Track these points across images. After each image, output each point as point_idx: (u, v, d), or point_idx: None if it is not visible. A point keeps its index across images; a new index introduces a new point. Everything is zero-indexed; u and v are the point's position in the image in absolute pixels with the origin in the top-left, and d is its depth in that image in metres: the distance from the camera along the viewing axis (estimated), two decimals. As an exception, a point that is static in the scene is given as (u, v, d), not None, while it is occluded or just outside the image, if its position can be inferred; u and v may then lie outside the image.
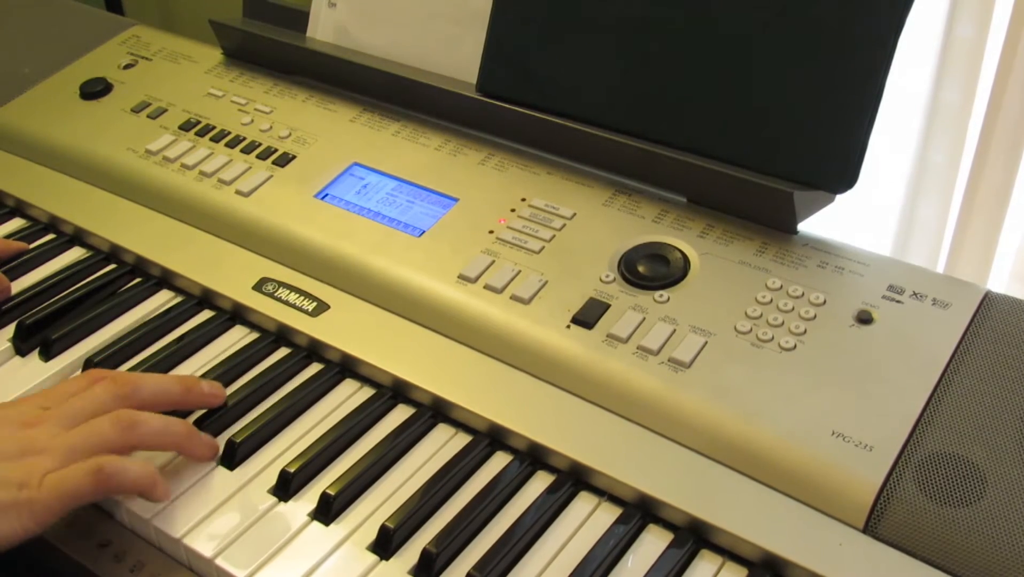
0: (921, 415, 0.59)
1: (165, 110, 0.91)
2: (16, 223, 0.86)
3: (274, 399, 0.67)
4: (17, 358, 0.72)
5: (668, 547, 0.57)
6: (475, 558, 0.57)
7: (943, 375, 0.61)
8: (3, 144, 0.92)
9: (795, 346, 0.64)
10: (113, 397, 0.60)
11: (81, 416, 0.59)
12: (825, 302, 0.66)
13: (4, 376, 0.71)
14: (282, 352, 0.72)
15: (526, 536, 0.58)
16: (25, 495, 0.54)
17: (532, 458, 0.63)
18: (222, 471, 0.62)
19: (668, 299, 0.68)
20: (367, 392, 0.68)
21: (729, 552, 0.58)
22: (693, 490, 0.59)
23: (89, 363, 0.70)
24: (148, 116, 0.90)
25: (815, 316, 0.65)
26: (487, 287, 0.70)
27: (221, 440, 0.64)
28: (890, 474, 0.57)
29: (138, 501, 0.60)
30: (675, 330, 0.66)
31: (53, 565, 0.61)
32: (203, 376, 0.69)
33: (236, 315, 0.75)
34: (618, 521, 0.59)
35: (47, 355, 0.72)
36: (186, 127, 0.88)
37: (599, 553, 0.57)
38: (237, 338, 0.73)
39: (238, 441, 0.63)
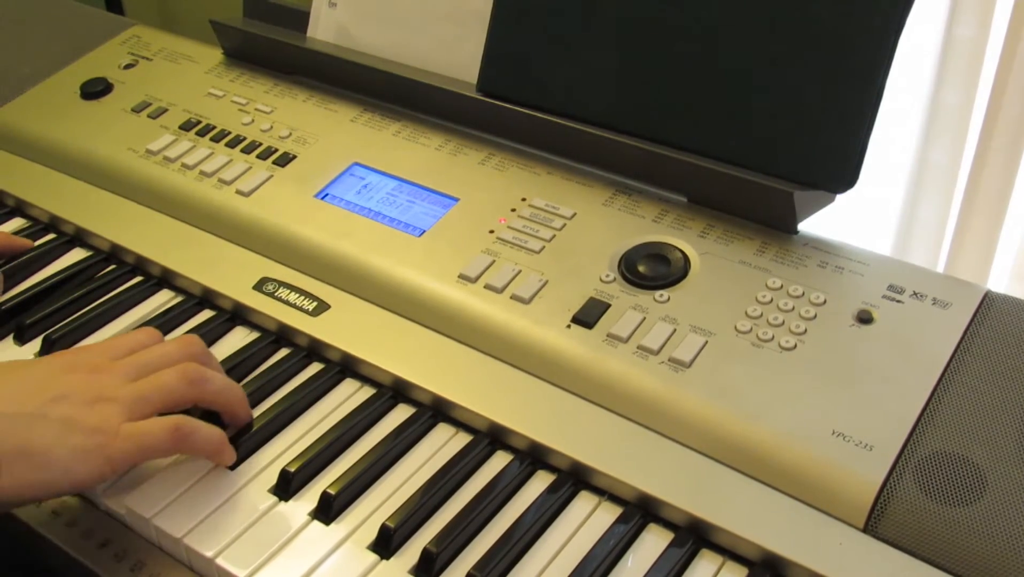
0: (921, 415, 0.59)
1: (165, 110, 0.91)
2: (16, 223, 0.86)
3: (274, 399, 0.67)
4: (17, 358, 0.72)
5: (668, 546, 0.57)
6: (475, 558, 0.57)
7: (943, 375, 0.61)
8: (3, 144, 0.92)
9: (795, 346, 0.64)
10: (180, 353, 0.62)
11: (147, 369, 0.61)
12: (825, 302, 0.66)
13: (4, 376, 0.71)
14: (282, 352, 0.72)
15: (526, 536, 0.58)
16: (102, 440, 0.56)
17: (532, 458, 0.63)
18: (222, 471, 0.62)
19: (668, 299, 0.68)
20: (367, 392, 0.68)
21: (729, 551, 0.58)
22: (693, 490, 0.59)
23: (89, 363, 0.70)
24: (148, 116, 0.90)
25: (815, 316, 0.65)
26: (487, 287, 0.70)
27: (221, 440, 0.64)
28: (890, 474, 0.57)
29: (138, 500, 0.60)
30: (675, 330, 0.66)
31: (53, 564, 0.61)
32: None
33: (236, 315, 0.75)
34: (618, 521, 0.59)
35: (47, 355, 0.72)
36: (186, 127, 0.88)
37: (599, 553, 0.57)
38: (237, 338, 0.73)
39: (238, 441, 0.63)
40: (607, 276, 0.70)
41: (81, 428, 0.56)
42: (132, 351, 0.63)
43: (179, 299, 0.77)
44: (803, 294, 0.67)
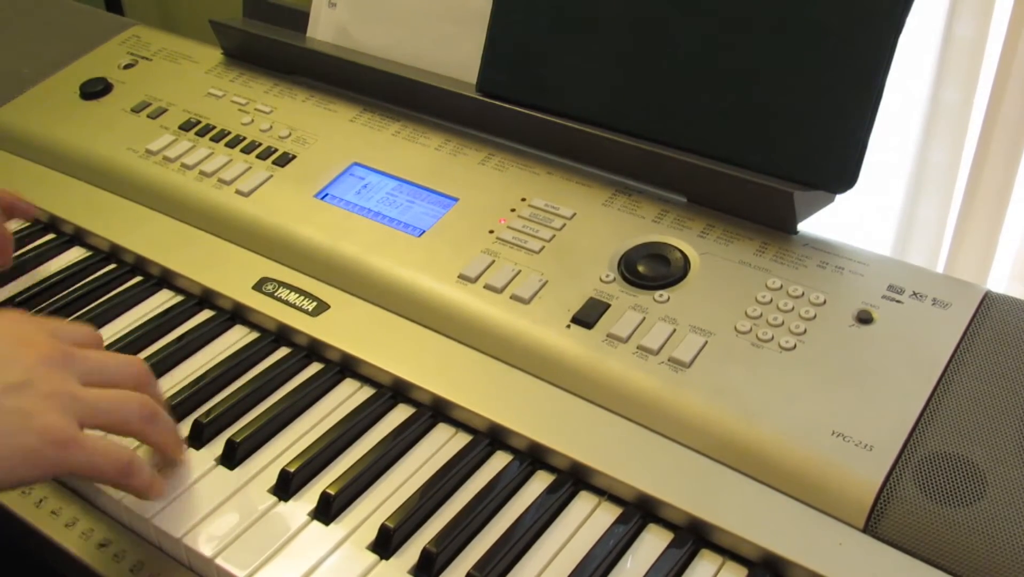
0: (921, 415, 0.59)
1: (165, 110, 0.91)
2: (16, 223, 0.86)
3: (274, 399, 0.67)
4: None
5: (668, 547, 0.57)
6: (475, 558, 0.57)
7: (943, 375, 0.61)
8: (3, 144, 0.92)
9: (795, 346, 0.64)
10: (136, 377, 0.59)
11: (103, 377, 0.57)
12: (825, 302, 0.66)
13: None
14: (282, 352, 0.72)
15: (526, 536, 0.58)
16: (54, 446, 0.52)
17: (532, 458, 0.63)
18: (222, 471, 0.62)
19: (668, 299, 0.68)
20: (367, 392, 0.68)
21: (729, 552, 0.58)
22: (693, 490, 0.59)
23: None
24: (148, 116, 0.90)
25: (815, 316, 0.65)
26: (487, 287, 0.70)
27: (221, 440, 0.64)
28: (890, 474, 0.57)
29: (138, 500, 0.60)
30: (675, 330, 0.66)
31: (53, 564, 0.61)
32: (203, 376, 0.69)
33: (236, 315, 0.75)
34: (618, 521, 0.59)
35: None
36: (186, 127, 0.88)
37: (599, 553, 0.57)
38: (237, 338, 0.73)
39: (238, 441, 0.63)
40: (607, 276, 0.70)
41: (36, 428, 0.51)
42: (77, 344, 0.58)
43: (179, 299, 0.77)
44: (803, 294, 0.67)
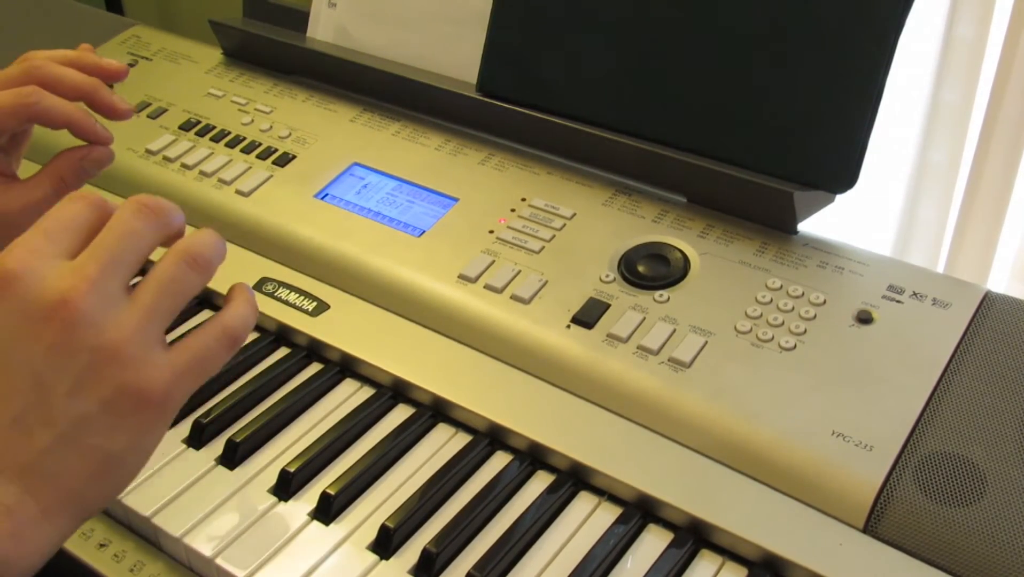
0: (921, 415, 0.59)
1: (165, 110, 0.91)
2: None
3: (274, 399, 0.67)
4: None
5: (668, 547, 0.57)
6: (475, 558, 0.57)
7: (943, 375, 0.61)
8: (3, 144, 0.92)
9: (795, 346, 0.64)
10: (148, 225, 0.47)
11: (127, 266, 0.46)
12: (825, 302, 0.66)
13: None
14: (282, 352, 0.72)
15: (526, 536, 0.58)
16: (155, 405, 0.45)
17: (532, 458, 0.63)
18: (222, 471, 0.62)
19: (668, 299, 0.68)
20: (367, 392, 0.68)
21: (729, 552, 0.58)
22: (693, 490, 0.59)
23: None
24: (148, 116, 0.90)
25: (815, 316, 0.65)
26: (487, 287, 0.70)
27: (221, 440, 0.64)
28: (890, 474, 0.57)
29: (138, 500, 0.60)
30: (675, 330, 0.66)
31: (53, 564, 0.61)
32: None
33: (236, 315, 0.75)
34: (618, 521, 0.59)
35: None
36: (186, 127, 0.88)
37: (599, 553, 0.57)
38: (237, 338, 0.73)
39: (238, 441, 0.63)
40: (607, 276, 0.70)
41: (127, 407, 0.44)
42: (77, 234, 0.46)
43: (179, 299, 0.77)
44: (803, 294, 0.67)
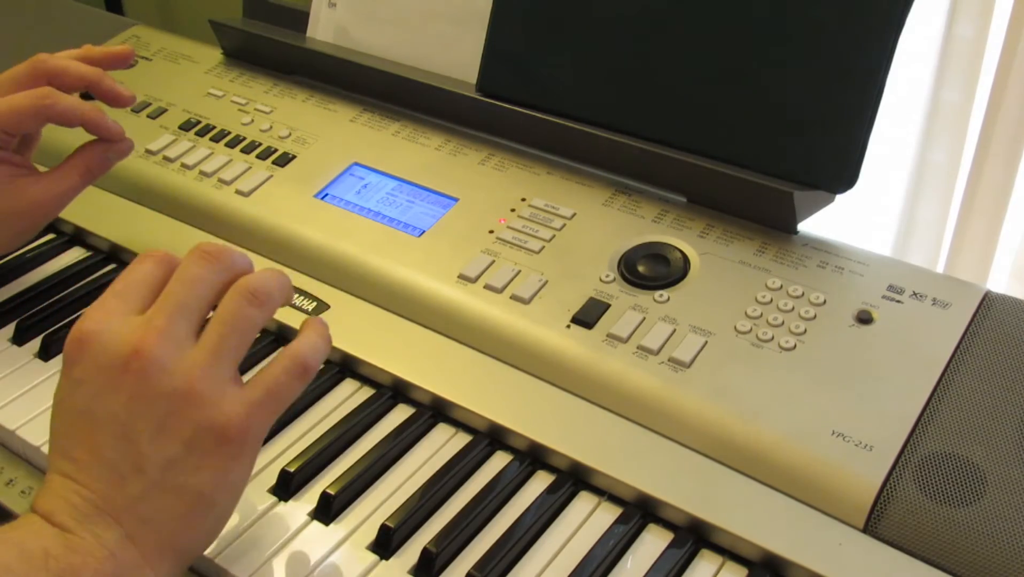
0: (921, 415, 0.59)
1: (165, 110, 0.91)
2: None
3: (274, 399, 0.67)
4: (17, 358, 0.72)
5: (668, 547, 0.57)
6: (475, 558, 0.57)
7: (943, 375, 0.61)
8: (3, 144, 0.92)
9: (795, 346, 0.64)
10: (212, 271, 0.50)
11: (195, 315, 0.49)
12: (825, 302, 0.66)
13: (3, 376, 0.70)
14: (282, 352, 0.72)
15: (526, 536, 0.58)
16: (234, 440, 0.47)
17: (532, 458, 0.63)
18: (222, 471, 0.62)
19: (668, 299, 0.68)
20: (367, 392, 0.68)
21: (729, 552, 0.58)
22: (693, 490, 0.59)
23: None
24: (148, 116, 0.90)
25: (815, 316, 0.65)
26: (487, 287, 0.70)
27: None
28: (890, 474, 0.57)
29: None
30: (675, 330, 0.66)
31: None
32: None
33: (236, 315, 0.75)
34: (618, 521, 0.59)
35: (46, 355, 0.72)
36: (186, 127, 0.88)
37: (599, 553, 0.57)
38: (237, 338, 0.73)
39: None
40: (607, 276, 0.70)
41: (210, 446, 0.47)
42: (146, 291, 0.50)
43: (179, 299, 0.77)
44: (803, 294, 0.67)
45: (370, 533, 0.58)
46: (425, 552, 0.56)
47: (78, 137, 0.74)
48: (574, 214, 0.75)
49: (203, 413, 0.47)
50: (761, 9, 0.71)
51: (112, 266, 0.81)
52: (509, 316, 0.68)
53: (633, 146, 0.75)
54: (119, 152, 0.74)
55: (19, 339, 0.73)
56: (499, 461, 0.63)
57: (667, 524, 0.59)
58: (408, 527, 0.58)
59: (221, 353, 0.48)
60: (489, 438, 0.64)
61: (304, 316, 0.72)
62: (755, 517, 0.57)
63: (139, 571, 0.46)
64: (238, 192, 0.81)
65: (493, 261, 0.72)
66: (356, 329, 0.71)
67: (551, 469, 0.63)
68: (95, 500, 0.46)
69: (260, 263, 0.77)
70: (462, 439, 0.65)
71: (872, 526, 0.56)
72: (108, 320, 0.48)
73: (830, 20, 0.69)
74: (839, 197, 0.71)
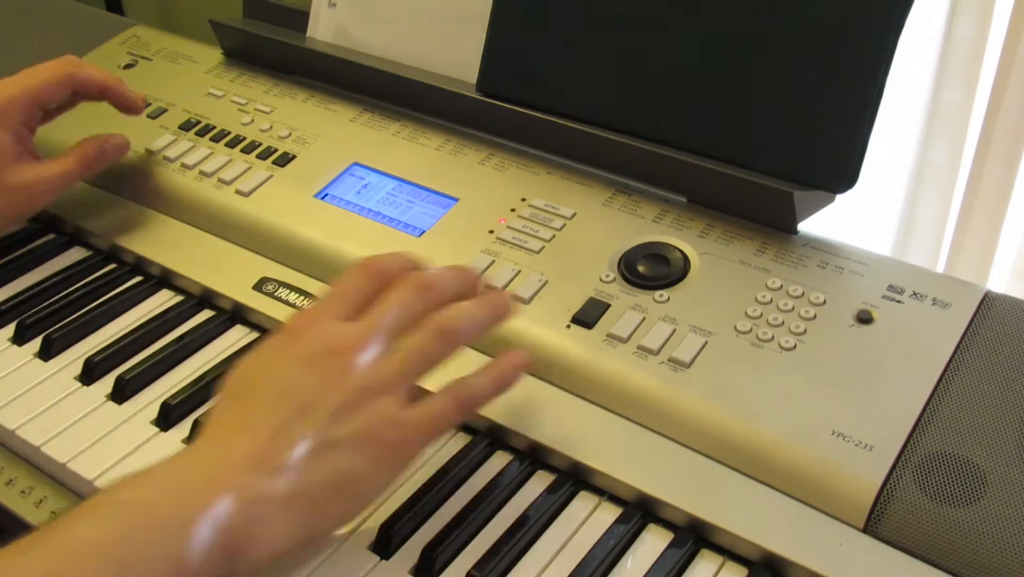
0: (921, 415, 0.59)
1: (165, 110, 0.91)
2: (16, 223, 0.86)
3: (274, 399, 0.67)
4: (17, 358, 0.72)
5: (668, 547, 0.57)
6: (475, 558, 0.57)
7: (943, 375, 0.61)
8: (3, 144, 0.92)
9: (795, 346, 0.64)
10: (417, 299, 0.57)
11: (393, 332, 0.55)
12: (825, 302, 0.66)
13: (3, 376, 0.71)
14: (282, 352, 0.72)
15: (526, 536, 0.58)
16: (397, 443, 0.53)
17: (532, 458, 0.63)
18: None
19: (668, 299, 0.68)
20: (367, 392, 0.68)
21: (729, 552, 0.58)
22: (693, 490, 0.59)
23: (89, 363, 0.70)
24: (148, 116, 0.90)
25: (815, 316, 0.65)
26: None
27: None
28: (890, 474, 0.57)
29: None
30: (675, 330, 0.66)
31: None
32: (203, 376, 0.69)
33: (236, 315, 0.75)
34: (618, 521, 0.59)
35: (47, 355, 0.72)
36: (186, 127, 0.88)
37: (599, 553, 0.57)
38: (237, 338, 0.73)
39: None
40: (607, 276, 0.70)
41: (373, 440, 0.52)
42: (356, 301, 0.57)
43: (179, 299, 0.77)
44: (803, 294, 0.67)
45: (370, 533, 0.58)
46: (425, 552, 0.56)
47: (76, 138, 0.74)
48: (574, 214, 0.75)
49: (376, 417, 0.53)
50: (761, 9, 0.71)
51: (112, 266, 0.81)
52: (509, 316, 0.68)
53: (633, 146, 0.75)
54: (117, 146, 0.80)
55: (19, 339, 0.73)
56: (499, 461, 0.63)
57: (667, 524, 0.59)
58: (408, 527, 0.58)
59: (405, 374, 0.55)
60: (489, 438, 0.64)
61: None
62: (755, 517, 0.57)
63: (275, 523, 0.49)
64: (238, 192, 0.81)
65: (493, 261, 0.72)
66: (356, 329, 0.71)
67: (551, 469, 0.63)
68: (256, 453, 0.50)
69: (260, 263, 0.77)
70: (462, 439, 0.65)
71: (872, 526, 0.56)
72: (324, 319, 0.56)
73: (830, 20, 0.69)
74: (839, 197, 0.71)
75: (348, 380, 0.53)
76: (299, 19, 0.96)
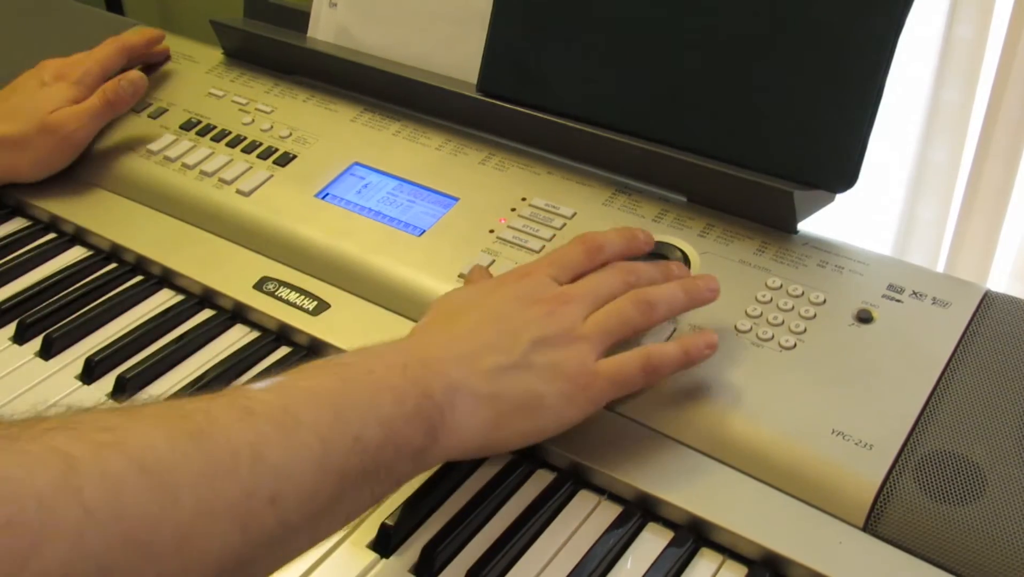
0: (921, 414, 0.59)
1: (166, 110, 0.91)
2: (17, 223, 0.86)
3: (274, 398, 0.67)
4: (17, 357, 0.72)
5: (668, 546, 0.57)
6: (475, 556, 0.57)
7: (943, 374, 0.61)
8: (4, 144, 0.92)
9: (795, 345, 0.64)
10: (623, 283, 0.63)
11: (600, 300, 0.61)
12: (825, 301, 0.66)
13: (4, 375, 0.71)
14: (283, 351, 0.72)
15: (526, 535, 0.58)
16: (584, 382, 0.58)
17: (532, 457, 0.63)
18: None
19: (668, 298, 0.68)
20: (367, 391, 0.68)
21: (729, 550, 0.58)
22: (693, 488, 0.59)
23: (90, 362, 0.70)
24: (149, 116, 0.91)
25: (815, 315, 0.65)
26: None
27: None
28: (890, 472, 0.57)
29: None
30: (675, 329, 0.66)
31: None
32: (203, 375, 0.69)
33: (236, 314, 0.75)
34: (618, 520, 0.59)
35: (47, 354, 0.72)
36: (187, 127, 0.88)
37: (599, 552, 0.57)
38: (237, 337, 0.74)
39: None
40: (607, 275, 0.70)
41: (564, 373, 0.57)
42: (571, 270, 0.63)
43: (179, 298, 0.77)
44: (803, 294, 0.67)
45: (370, 532, 0.58)
46: (425, 551, 0.56)
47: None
48: (574, 214, 0.75)
49: (571, 354, 0.58)
50: (761, 9, 0.71)
51: (113, 265, 0.81)
52: (509, 315, 0.68)
53: (633, 146, 0.75)
54: (131, 81, 0.88)
55: (20, 338, 0.73)
56: (499, 460, 0.63)
57: (667, 523, 0.59)
58: (408, 526, 0.58)
59: (603, 331, 0.60)
60: (489, 437, 0.64)
61: (306, 315, 0.72)
62: (755, 516, 0.57)
63: (466, 422, 0.54)
64: (239, 192, 0.81)
65: (494, 260, 0.72)
66: (356, 328, 0.71)
67: (551, 468, 0.63)
68: (464, 354, 0.56)
69: (261, 262, 0.77)
70: (462, 438, 0.65)
71: (872, 524, 0.56)
72: (543, 272, 0.62)
73: (830, 20, 0.69)
74: (839, 197, 0.71)
75: (552, 322, 0.59)
76: (300, 19, 0.96)
